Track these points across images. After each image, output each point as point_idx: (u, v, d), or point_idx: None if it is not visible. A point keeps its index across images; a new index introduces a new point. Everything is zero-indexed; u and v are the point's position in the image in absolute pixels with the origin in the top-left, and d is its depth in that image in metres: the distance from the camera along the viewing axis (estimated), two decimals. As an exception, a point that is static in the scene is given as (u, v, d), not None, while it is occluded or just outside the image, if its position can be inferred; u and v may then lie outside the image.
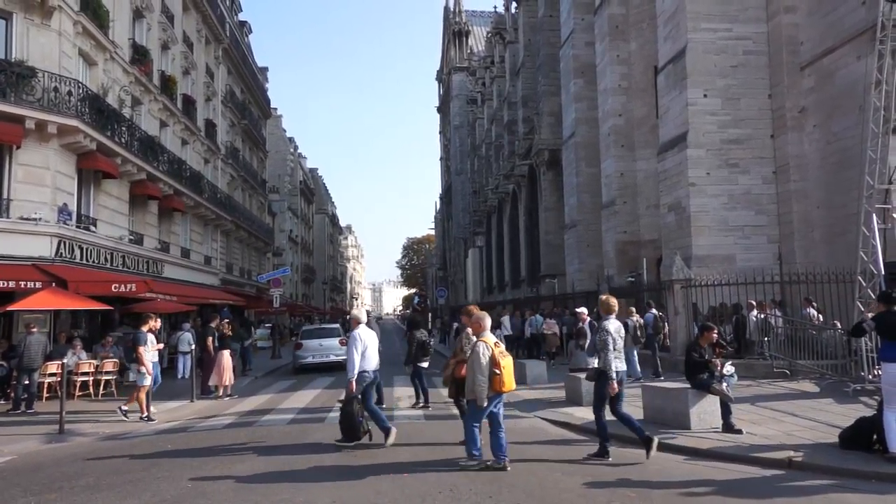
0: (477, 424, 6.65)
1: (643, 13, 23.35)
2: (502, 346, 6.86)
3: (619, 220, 23.72)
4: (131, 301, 17.70)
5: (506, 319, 19.25)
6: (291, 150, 62.67)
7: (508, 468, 6.47)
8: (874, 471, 6.03)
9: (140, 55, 21.31)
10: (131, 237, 20.19)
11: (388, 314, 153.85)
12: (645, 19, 23.19)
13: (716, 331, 8.52)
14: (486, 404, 6.47)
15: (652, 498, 5.50)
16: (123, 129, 18.92)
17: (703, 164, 17.75)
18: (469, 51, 67.41)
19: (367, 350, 7.96)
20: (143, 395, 10.92)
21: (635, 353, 13.04)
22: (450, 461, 6.93)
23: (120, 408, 11.08)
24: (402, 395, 12.76)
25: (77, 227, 16.73)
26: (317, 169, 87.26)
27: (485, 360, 6.44)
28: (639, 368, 13.02)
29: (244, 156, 37.59)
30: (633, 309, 14.28)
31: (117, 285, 15.38)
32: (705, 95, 17.93)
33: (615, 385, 6.96)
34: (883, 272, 11.17)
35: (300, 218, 63.25)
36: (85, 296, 14.60)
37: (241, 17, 41.73)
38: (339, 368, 17.20)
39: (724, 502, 5.36)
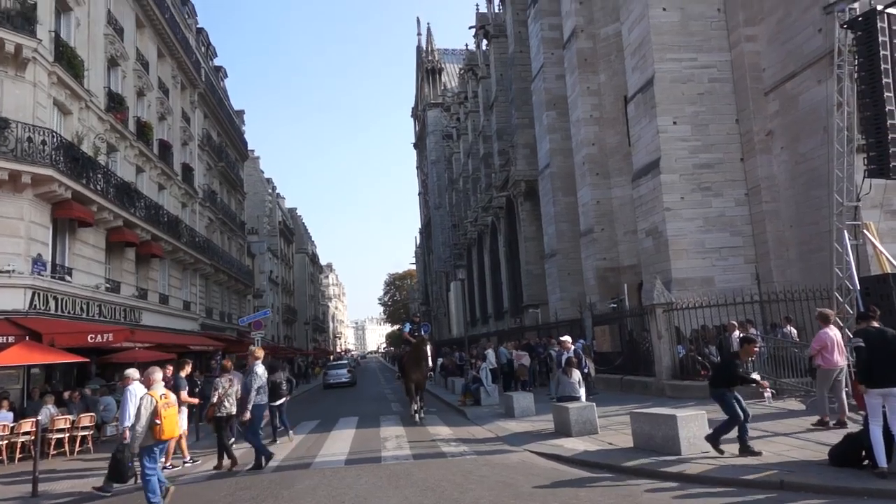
0: (151, 473, 7.44)
1: (610, 46, 24.02)
2: (171, 398, 7.79)
3: (598, 248, 23.93)
4: (108, 352, 17.30)
5: (490, 353, 19.12)
6: (269, 190, 62.57)
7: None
8: (865, 487, 6.01)
9: (115, 103, 21.30)
10: (108, 285, 19.84)
11: (371, 352, 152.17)
12: (613, 52, 23.84)
13: (757, 344, 8.46)
14: (137, 451, 7.46)
15: (647, 528, 5.42)
16: (99, 176, 18.78)
17: (676, 189, 18.08)
18: (443, 87, 68.59)
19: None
20: (183, 442, 11.06)
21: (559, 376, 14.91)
22: (441, 500, 6.78)
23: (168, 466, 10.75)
24: (388, 435, 12.54)
25: (52, 277, 16.42)
26: (296, 208, 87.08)
27: (146, 412, 7.37)
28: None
29: (222, 198, 37.43)
30: (560, 340, 14.56)
31: (93, 336, 15.00)
32: (675, 122, 18.37)
33: (248, 415, 9.75)
34: (858, 287, 11.33)
35: (280, 258, 62.81)
36: (60, 348, 14.23)
37: (217, 62, 42.06)
38: (346, 388, 28.04)
39: (720, 529, 5.30)
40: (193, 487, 8.99)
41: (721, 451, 7.73)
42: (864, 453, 6.59)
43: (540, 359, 19.76)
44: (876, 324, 7.31)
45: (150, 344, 18.62)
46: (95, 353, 16.85)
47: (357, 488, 7.84)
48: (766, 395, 8.18)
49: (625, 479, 7.39)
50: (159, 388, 7.76)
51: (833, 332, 9.30)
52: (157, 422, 7.34)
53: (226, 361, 11.11)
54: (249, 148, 49.42)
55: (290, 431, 13.22)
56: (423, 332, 16.05)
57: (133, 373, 9.23)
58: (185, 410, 11.03)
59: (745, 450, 7.70)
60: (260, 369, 9.93)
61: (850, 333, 11.54)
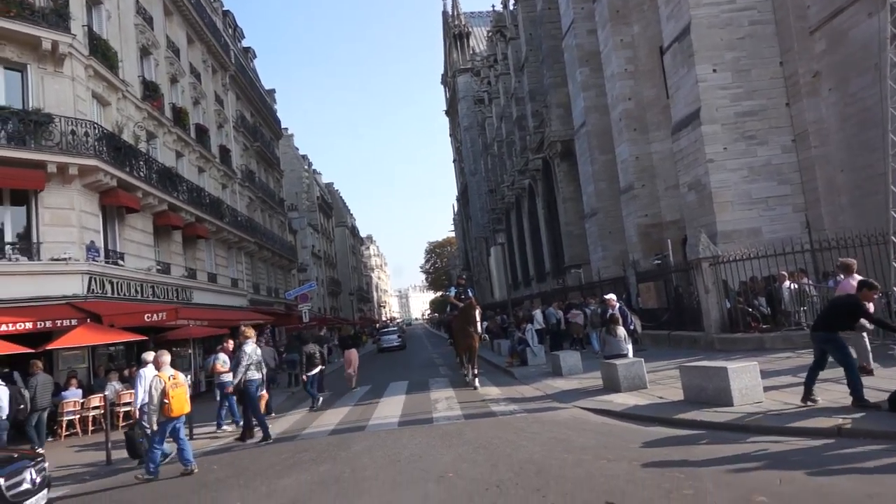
0: (158, 447, 8.15)
1: (643, -6, 23.16)
2: (179, 378, 8.40)
3: (638, 204, 23.51)
4: (164, 329, 18.02)
5: (538, 313, 19.23)
6: (305, 167, 63.23)
7: (196, 470, 8.11)
8: (927, 431, 5.87)
9: (151, 91, 21.74)
10: (159, 267, 20.56)
11: (416, 319, 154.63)
12: (645, 1, 23.00)
13: (878, 291, 8.01)
14: (156, 428, 8.07)
15: (701, 477, 5.44)
16: (141, 163, 19.30)
17: (719, 140, 17.51)
18: (471, 51, 67.56)
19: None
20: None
21: (594, 334, 16.56)
22: (493, 457, 6.94)
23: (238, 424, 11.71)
24: (438, 397, 12.81)
25: (106, 262, 17.09)
26: (332, 183, 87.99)
27: (157, 392, 8.06)
28: (596, 345, 15.97)
29: (260, 177, 38.04)
30: (605, 298, 14.25)
31: (149, 315, 15.68)
32: (714, 70, 17.69)
33: (230, 388, 10.22)
34: (917, 229, 10.90)
35: (321, 233, 63.75)
36: (119, 328, 14.91)
37: (245, 43, 42.28)
38: (397, 351, 34.66)
39: (776, 476, 5.27)
40: (254, 451, 9.42)
41: (876, 406, 6.86)
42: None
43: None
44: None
45: (203, 321, 19.29)
46: (152, 332, 17.57)
47: (412, 447, 8.07)
48: None
49: (678, 432, 7.40)
50: (167, 370, 8.39)
51: (856, 281, 8.91)
52: (166, 401, 8.03)
53: (240, 337, 11.38)
54: (283, 126, 49.91)
55: (319, 400, 13.75)
56: (470, 294, 15.16)
57: (147, 356, 9.93)
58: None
59: (808, 396, 7.52)
60: (249, 347, 10.22)
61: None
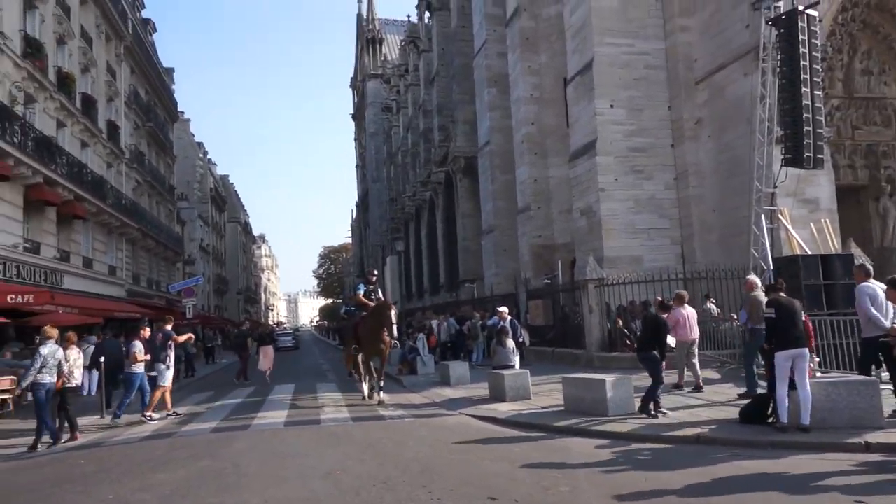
0: None
1: (552, 27, 24.38)
2: None
3: (533, 225, 24.56)
4: (28, 314, 16.44)
5: (435, 324, 19.56)
6: (200, 155, 60.17)
7: None
8: (769, 440, 6.71)
9: (33, 49, 19.87)
10: (27, 245, 18.78)
11: (304, 325, 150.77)
12: (554, 32, 24.22)
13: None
14: None
15: (577, 477, 5.85)
16: (16, 127, 17.61)
17: (611, 171, 18.75)
18: (383, 58, 67.44)
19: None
20: (168, 394, 11.83)
21: (476, 345, 18.34)
22: (380, 456, 7.03)
23: (143, 414, 11.25)
24: (326, 401, 12.68)
25: (-37, 234, 15.41)
26: (228, 175, 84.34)
27: None
28: (475, 356, 17.98)
29: (150, 160, 35.79)
30: (497, 310, 14.81)
31: (13, 296, 14.29)
32: (612, 106, 18.97)
33: (20, 391, 9.50)
34: (772, 266, 12.28)
35: (211, 226, 60.79)
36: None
37: (145, 14, 39.78)
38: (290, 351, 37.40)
39: (643, 476, 5.78)
40: (127, 448, 8.88)
41: (655, 415, 8.19)
42: (768, 412, 7.31)
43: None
44: (783, 294, 7.99)
45: (74, 308, 17.82)
46: (15, 315, 15.98)
47: (297, 446, 7.97)
48: None
49: (556, 437, 7.85)
50: None
51: (686, 311, 10.57)
52: None
53: (70, 334, 10.64)
54: (179, 109, 47.33)
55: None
56: (380, 294, 13.72)
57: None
58: (172, 367, 11.95)
59: (644, 408, 8.40)
60: (46, 349, 9.39)
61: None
